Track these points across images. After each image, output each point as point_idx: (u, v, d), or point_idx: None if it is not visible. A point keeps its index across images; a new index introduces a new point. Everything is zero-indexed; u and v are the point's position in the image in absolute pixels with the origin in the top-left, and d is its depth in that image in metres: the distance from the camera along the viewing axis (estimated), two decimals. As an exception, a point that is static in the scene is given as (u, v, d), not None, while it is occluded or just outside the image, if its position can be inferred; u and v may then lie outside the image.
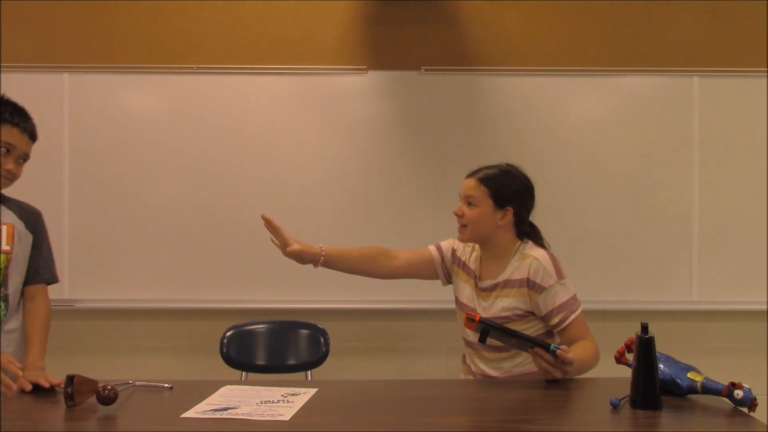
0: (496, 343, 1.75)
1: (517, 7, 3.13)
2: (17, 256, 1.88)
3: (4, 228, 1.86)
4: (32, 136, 1.86)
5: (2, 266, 1.85)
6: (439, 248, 2.11)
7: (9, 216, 1.88)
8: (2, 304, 1.85)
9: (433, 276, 2.11)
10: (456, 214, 1.97)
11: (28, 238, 1.91)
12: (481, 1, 3.13)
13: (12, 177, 1.82)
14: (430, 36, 3.13)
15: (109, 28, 3.11)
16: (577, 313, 1.86)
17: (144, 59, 3.10)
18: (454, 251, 2.10)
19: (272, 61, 3.12)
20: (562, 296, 1.85)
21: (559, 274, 1.87)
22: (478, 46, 3.13)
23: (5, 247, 1.85)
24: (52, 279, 1.99)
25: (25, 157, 1.85)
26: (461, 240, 2.01)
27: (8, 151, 1.79)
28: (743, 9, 3.14)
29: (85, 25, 3.10)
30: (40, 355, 1.81)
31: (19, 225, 1.89)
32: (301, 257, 1.93)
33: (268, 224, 1.91)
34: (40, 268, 1.95)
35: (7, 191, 1.88)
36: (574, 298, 1.87)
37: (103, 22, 3.11)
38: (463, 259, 2.06)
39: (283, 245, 1.92)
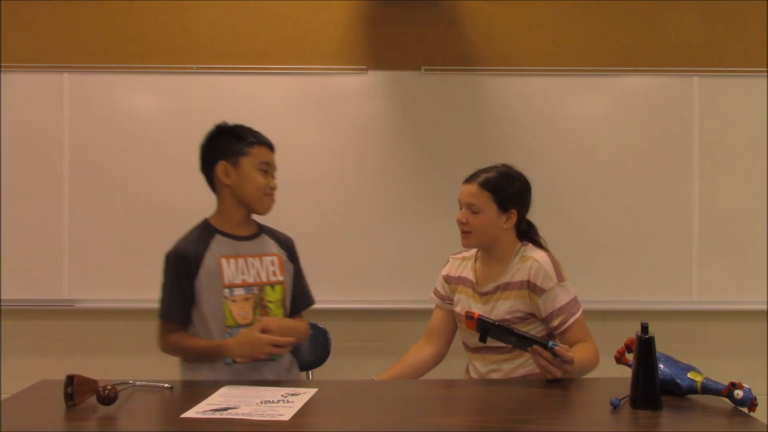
0: (497, 343, 1.75)
1: (517, 7, 3.13)
2: (287, 286, 1.91)
3: (276, 259, 1.89)
4: (273, 148, 1.90)
5: (282, 297, 1.87)
6: (438, 294, 2.10)
7: (274, 247, 1.91)
8: None
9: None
10: (460, 222, 1.93)
11: (290, 267, 1.94)
12: (481, 1, 3.13)
13: (274, 193, 1.88)
14: (430, 36, 3.12)
15: (109, 28, 3.11)
16: (577, 315, 1.85)
17: (144, 59, 3.10)
18: (447, 277, 2.08)
19: (272, 61, 3.11)
20: (562, 299, 1.85)
21: (560, 277, 1.87)
22: (478, 46, 3.13)
23: (280, 278, 1.88)
24: (311, 303, 2.03)
25: (275, 170, 1.89)
26: (465, 246, 1.97)
27: (268, 168, 1.84)
28: (743, 9, 3.13)
29: (85, 25, 3.10)
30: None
31: (283, 255, 1.92)
32: None
33: None
34: (301, 298, 1.98)
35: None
36: (574, 300, 1.87)
37: (103, 22, 3.10)
38: (455, 275, 2.05)
39: None
